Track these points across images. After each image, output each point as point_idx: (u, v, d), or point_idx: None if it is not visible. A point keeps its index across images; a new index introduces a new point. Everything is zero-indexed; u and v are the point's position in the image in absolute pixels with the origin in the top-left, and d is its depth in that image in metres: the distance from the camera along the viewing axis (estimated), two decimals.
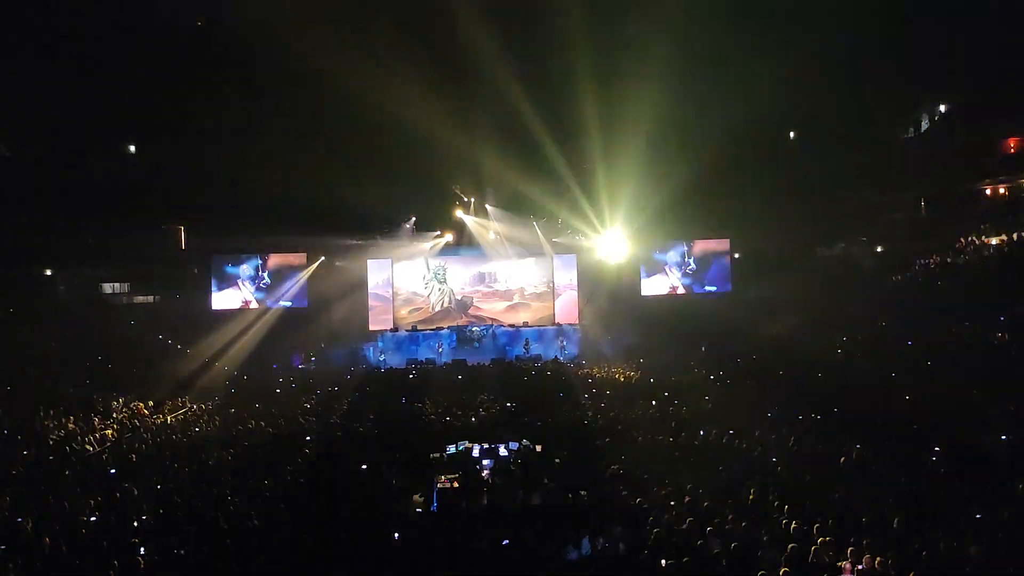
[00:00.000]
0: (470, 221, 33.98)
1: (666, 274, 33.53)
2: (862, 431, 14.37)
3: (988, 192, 32.28)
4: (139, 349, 28.05)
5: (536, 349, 30.84)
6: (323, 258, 33.22)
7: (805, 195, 31.91)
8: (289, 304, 32.99)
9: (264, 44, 25.34)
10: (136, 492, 12.31)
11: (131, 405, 21.20)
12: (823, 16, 25.45)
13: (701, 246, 33.44)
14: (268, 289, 32.91)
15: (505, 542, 9.29)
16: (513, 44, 27.05)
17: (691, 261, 33.41)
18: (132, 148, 34.42)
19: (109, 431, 18.07)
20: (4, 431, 16.90)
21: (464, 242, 34.25)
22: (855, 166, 31.67)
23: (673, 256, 33.56)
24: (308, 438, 16.28)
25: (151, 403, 21.83)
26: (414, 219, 33.55)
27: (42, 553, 9.52)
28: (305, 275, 32.96)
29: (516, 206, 33.05)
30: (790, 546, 8.40)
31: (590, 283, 33.23)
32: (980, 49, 28.25)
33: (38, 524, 10.65)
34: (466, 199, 34.01)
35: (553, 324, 32.58)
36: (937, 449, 12.41)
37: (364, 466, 13.52)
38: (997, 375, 17.30)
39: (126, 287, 35.05)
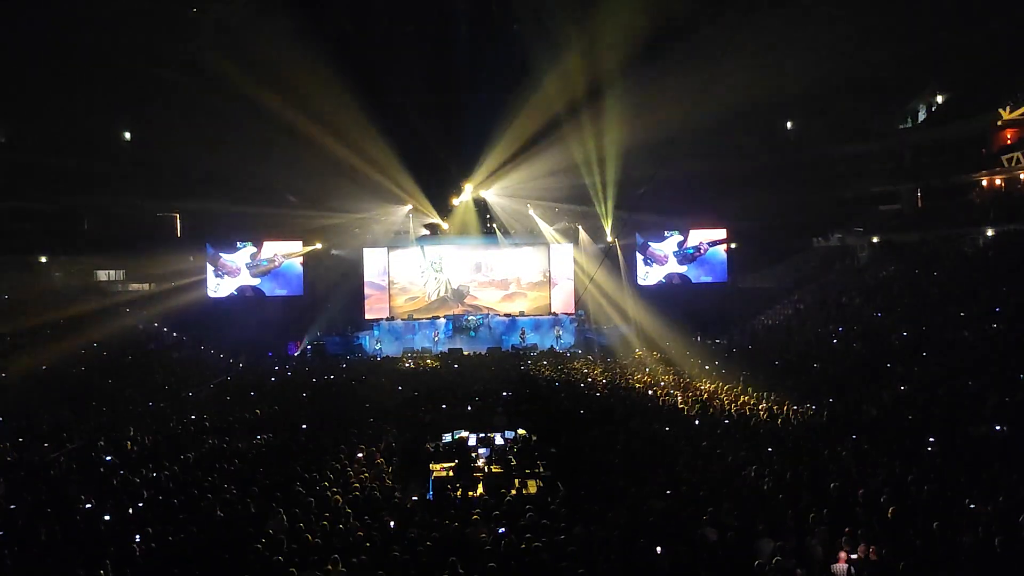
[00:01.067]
0: (467, 208, 33.91)
1: (663, 263, 33.53)
2: (857, 421, 14.43)
3: (984, 183, 32.30)
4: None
5: (532, 338, 30.82)
6: (319, 245, 33.16)
7: (802, 185, 31.91)
8: (284, 292, 33.01)
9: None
10: (132, 479, 12.29)
11: None
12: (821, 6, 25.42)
13: (698, 236, 33.41)
14: (263, 276, 32.88)
15: (501, 531, 9.28)
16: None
17: (688, 250, 33.41)
18: (127, 135, 34.35)
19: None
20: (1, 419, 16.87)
21: (461, 230, 34.20)
22: (851, 156, 31.66)
23: (670, 245, 33.55)
24: (304, 426, 16.24)
25: None
26: (410, 206, 33.50)
27: (38, 541, 9.50)
28: (297, 257, 32.89)
29: (514, 194, 33.01)
30: (785, 535, 8.44)
31: (587, 272, 33.24)
32: (976, 40, 28.20)
33: (33, 512, 10.63)
34: (464, 186, 33.94)
35: (549, 313, 32.53)
36: (932, 439, 12.46)
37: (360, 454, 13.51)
38: (992, 366, 17.34)
39: (122, 274, 34.98)
